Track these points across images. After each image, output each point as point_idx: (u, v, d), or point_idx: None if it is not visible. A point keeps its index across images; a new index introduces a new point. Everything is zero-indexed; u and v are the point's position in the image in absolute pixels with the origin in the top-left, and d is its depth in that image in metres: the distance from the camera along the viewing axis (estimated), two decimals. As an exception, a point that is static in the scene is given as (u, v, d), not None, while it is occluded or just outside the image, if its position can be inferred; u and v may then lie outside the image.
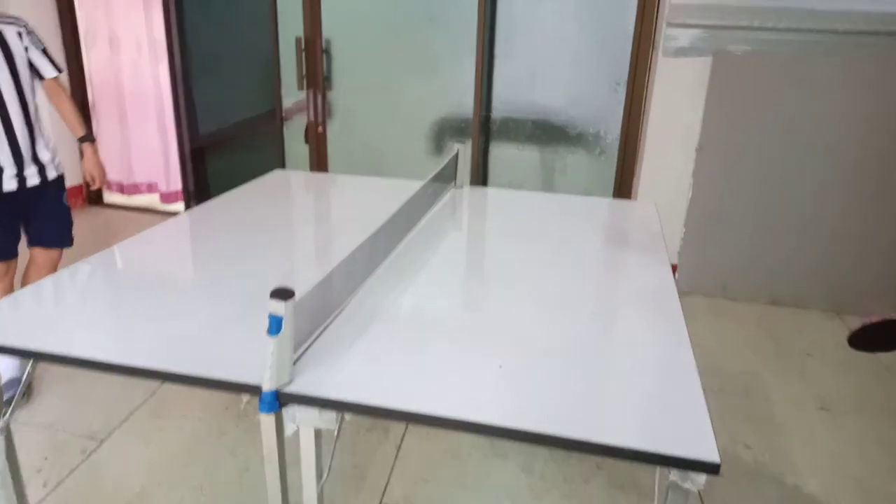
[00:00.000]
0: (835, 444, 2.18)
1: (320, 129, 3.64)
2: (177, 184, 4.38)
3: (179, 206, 4.41)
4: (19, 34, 2.15)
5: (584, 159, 3.42)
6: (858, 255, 3.07)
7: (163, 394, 2.31)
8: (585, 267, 1.65)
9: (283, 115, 3.71)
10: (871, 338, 1.54)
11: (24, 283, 2.30)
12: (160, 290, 1.39)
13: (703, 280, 3.26)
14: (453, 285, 1.52)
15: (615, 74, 3.23)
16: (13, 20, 2.16)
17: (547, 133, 3.41)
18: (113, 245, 1.61)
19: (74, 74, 4.15)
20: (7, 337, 1.14)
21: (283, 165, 3.78)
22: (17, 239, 2.29)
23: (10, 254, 2.25)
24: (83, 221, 4.15)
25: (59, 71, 2.29)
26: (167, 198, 4.49)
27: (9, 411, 1.29)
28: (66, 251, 2.39)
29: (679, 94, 3.01)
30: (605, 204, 2.48)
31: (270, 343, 0.96)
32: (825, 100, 2.90)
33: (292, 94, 3.63)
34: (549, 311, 1.35)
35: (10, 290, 2.26)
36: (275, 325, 0.96)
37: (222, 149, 4.20)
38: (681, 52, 2.94)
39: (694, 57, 2.94)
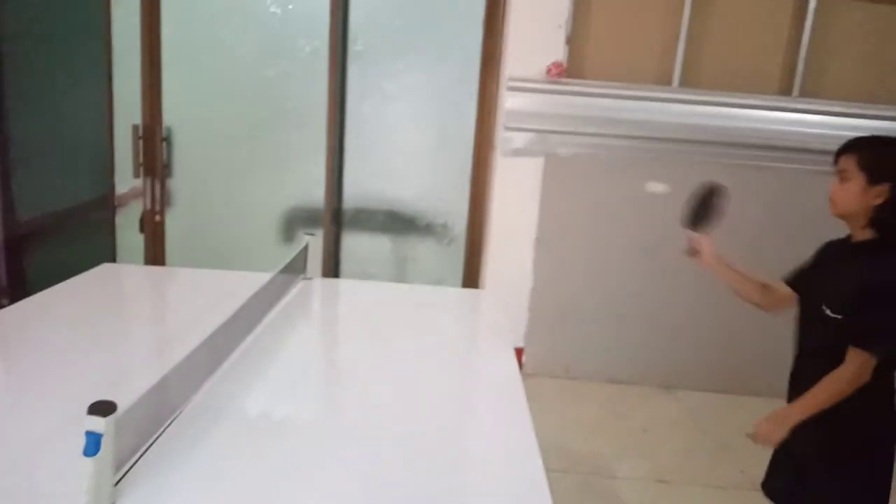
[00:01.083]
0: (672, 515, 2.33)
1: (158, 217, 3.43)
2: (-17, 277, 3.85)
3: (-15, 302, 3.86)
4: None
5: (433, 249, 3.54)
6: (682, 337, 3.41)
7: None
8: (436, 357, 1.67)
9: (116, 202, 3.46)
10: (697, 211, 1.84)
11: None
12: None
13: (547, 362, 3.43)
14: (303, 382, 1.46)
15: (460, 170, 3.43)
16: None
17: (397, 223, 3.51)
18: None
19: None
20: None
21: (114, 257, 3.48)
22: None
23: None
24: None
25: None
26: (-30, 293, 3.92)
27: None
28: None
29: (517, 190, 3.26)
30: (454, 294, 2.56)
31: (87, 465, 0.85)
32: (647, 200, 3.28)
33: (127, 180, 3.42)
34: (401, 405, 1.33)
35: None
36: (92, 445, 0.85)
37: (45, 238, 3.78)
38: (517, 152, 3.22)
39: (528, 157, 3.22)
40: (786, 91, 3.25)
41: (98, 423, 0.86)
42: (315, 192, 3.45)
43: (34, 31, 3.16)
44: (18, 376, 1.37)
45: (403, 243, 3.53)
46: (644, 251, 3.33)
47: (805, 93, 3.22)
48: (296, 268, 2.16)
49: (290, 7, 3.31)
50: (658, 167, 3.24)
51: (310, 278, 2.24)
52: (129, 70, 3.31)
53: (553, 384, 3.38)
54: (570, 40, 3.16)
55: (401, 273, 3.56)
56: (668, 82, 3.23)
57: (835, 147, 1.66)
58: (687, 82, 3.23)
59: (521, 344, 3.38)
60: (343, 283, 2.50)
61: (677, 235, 3.27)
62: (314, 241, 2.25)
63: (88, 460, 0.86)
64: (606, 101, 3.15)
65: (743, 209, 3.30)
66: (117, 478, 0.94)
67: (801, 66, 3.19)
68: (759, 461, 2.71)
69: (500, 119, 3.22)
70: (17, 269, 3.75)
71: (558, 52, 3.13)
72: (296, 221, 3.52)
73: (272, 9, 3.32)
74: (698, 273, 3.30)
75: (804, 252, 3.32)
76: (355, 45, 3.34)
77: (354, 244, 3.55)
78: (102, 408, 0.87)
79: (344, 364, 1.60)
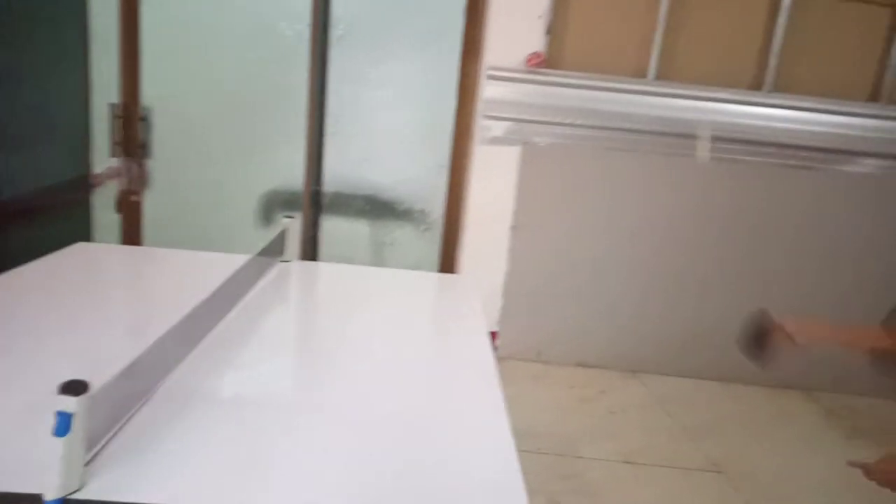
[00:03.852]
0: (640, 495, 2.41)
1: (135, 197, 3.42)
2: (-45, 254, 3.81)
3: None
4: None
5: (411, 234, 3.57)
6: (648, 323, 3.50)
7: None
8: (412, 341, 1.71)
9: (93, 181, 3.44)
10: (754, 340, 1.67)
11: None
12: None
13: (520, 346, 3.51)
14: (278, 364, 1.49)
15: (438, 157, 3.46)
16: None
17: (376, 208, 3.53)
18: None
19: None
20: None
21: (89, 238, 3.47)
22: None
23: None
24: None
25: None
26: (-58, 270, 3.88)
27: None
28: None
29: (494, 178, 3.30)
30: (431, 278, 2.59)
31: (58, 445, 0.87)
32: (620, 189, 3.35)
33: (105, 160, 3.39)
34: (376, 387, 1.37)
35: None
36: (63, 425, 0.87)
37: (17, 218, 3.74)
38: (494, 140, 3.25)
39: (506, 146, 3.26)
40: (758, 86, 3.32)
41: (69, 403, 0.87)
42: (295, 176, 3.45)
43: (8, 8, 3.10)
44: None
45: (382, 228, 3.56)
46: (614, 241, 3.41)
47: (777, 88, 3.29)
48: (274, 250, 2.18)
49: (272, -12, 3.29)
50: (632, 158, 3.30)
51: (288, 261, 2.27)
52: (108, 48, 3.28)
53: (525, 367, 3.45)
54: (550, 31, 3.19)
55: (379, 257, 3.59)
56: (645, 75, 3.28)
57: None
58: (662, 75, 3.28)
59: (495, 328, 3.45)
60: (321, 266, 2.53)
61: (646, 227, 3.36)
62: (293, 224, 2.27)
63: (59, 440, 0.87)
64: (584, 93, 3.19)
65: (712, 202, 3.37)
66: (88, 458, 0.96)
67: (773, 62, 3.25)
68: (720, 444, 2.82)
69: (479, 107, 3.25)
70: (-8, 247, 3.72)
71: (538, 43, 3.16)
72: (275, 204, 3.53)
73: (254, -11, 3.29)
74: (665, 263, 3.41)
75: (770, 245, 3.42)
76: (337, 30, 3.33)
77: (333, 228, 3.57)
78: (74, 387, 0.88)
79: (321, 347, 1.63)
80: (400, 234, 3.57)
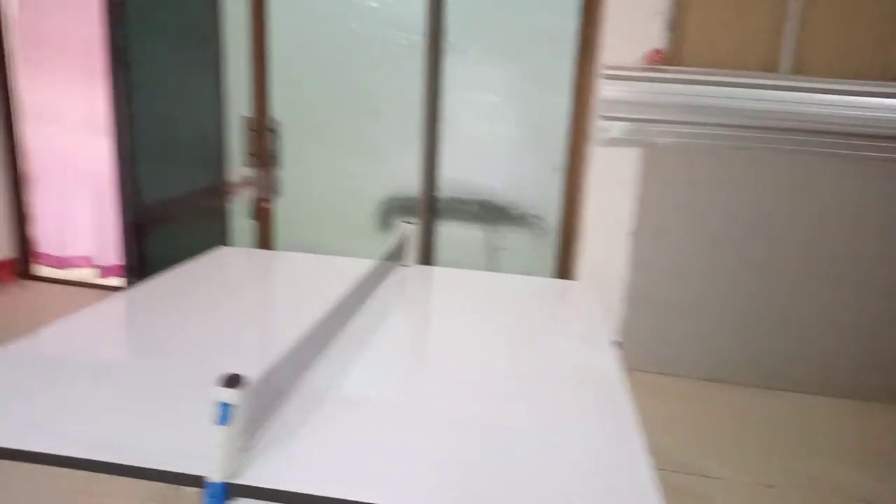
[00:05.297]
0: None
1: (266, 204, 3.65)
2: (114, 258, 4.25)
3: (117, 280, 4.26)
4: None
5: (526, 239, 3.55)
6: (783, 335, 3.25)
7: (86, 485, 2.15)
8: (531, 347, 1.69)
9: (229, 190, 3.71)
10: None
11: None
12: (90, 375, 1.34)
13: (640, 357, 3.37)
14: (401, 367, 1.53)
15: (553, 160, 3.42)
16: None
17: (491, 213, 3.54)
18: (43, 324, 1.54)
19: (5, 147, 4.06)
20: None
21: (226, 241, 3.74)
22: None
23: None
24: (13, 296, 3.93)
25: None
26: (105, 272, 4.34)
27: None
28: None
29: (613, 181, 3.20)
30: (548, 284, 2.56)
31: (220, 433, 0.94)
32: (751, 191, 3.14)
33: (239, 170, 3.65)
34: (497, 394, 1.37)
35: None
36: (224, 414, 0.94)
37: (164, 223, 4.11)
38: (612, 142, 3.15)
39: (625, 147, 3.15)
40: (907, 76, 2.99)
41: (230, 395, 0.95)
42: (411, 182, 3.54)
43: (152, 28, 3.42)
44: (143, 349, 1.52)
45: (496, 233, 3.56)
46: (746, 246, 3.19)
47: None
48: (395, 255, 2.25)
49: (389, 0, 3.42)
50: (764, 158, 3.08)
51: (407, 265, 2.32)
52: (238, 65, 3.53)
53: (645, 379, 3.31)
54: (670, 27, 3.05)
55: (493, 263, 3.60)
56: (776, 69, 3.05)
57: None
58: (797, 69, 3.04)
59: (616, 337, 3.34)
60: (438, 271, 2.56)
61: (776, 229, 3.12)
62: (412, 230, 2.32)
63: (221, 429, 0.94)
64: (708, 89, 3.02)
65: (857, 203, 3.08)
66: (244, 446, 1.03)
67: (930, 48, 2.93)
68: (869, 473, 2.56)
69: (596, 108, 3.17)
70: (142, 251, 4.11)
71: (656, 39, 3.04)
72: (392, 210, 3.63)
73: (371, 2, 3.43)
74: (799, 269, 3.14)
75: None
76: (449, 36, 3.39)
77: (448, 233, 3.62)
78: (233, 380, 0.96)
79: (441, 352, 1.65)
80: (514, 238, 3.55)
